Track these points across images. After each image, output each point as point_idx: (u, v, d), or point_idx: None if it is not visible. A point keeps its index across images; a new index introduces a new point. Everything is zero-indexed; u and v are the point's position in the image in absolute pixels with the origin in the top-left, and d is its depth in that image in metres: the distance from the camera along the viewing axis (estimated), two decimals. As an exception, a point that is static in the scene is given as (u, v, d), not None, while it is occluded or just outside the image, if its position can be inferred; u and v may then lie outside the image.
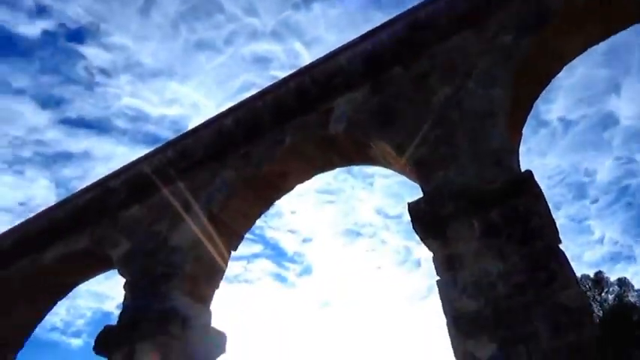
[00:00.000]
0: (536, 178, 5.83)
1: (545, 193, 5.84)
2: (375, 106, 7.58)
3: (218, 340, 8.30)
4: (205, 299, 8.57)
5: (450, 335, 5.43)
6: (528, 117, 7.57)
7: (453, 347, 5.33)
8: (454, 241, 5.84)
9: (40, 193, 58.69)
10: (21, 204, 58.37)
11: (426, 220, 6.13)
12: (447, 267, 5.76)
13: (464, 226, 5.84)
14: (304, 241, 59.25)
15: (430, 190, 6.43)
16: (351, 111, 7.77)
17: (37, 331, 10.76)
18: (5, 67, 56.52)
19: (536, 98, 7.55)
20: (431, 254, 6.04)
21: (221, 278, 8.90)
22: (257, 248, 55.56)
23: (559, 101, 63.96)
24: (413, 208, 6.31)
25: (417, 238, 6.25)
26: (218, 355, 8.20)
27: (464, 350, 5.23)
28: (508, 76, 6.67)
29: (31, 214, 10.99)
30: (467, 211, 5.88)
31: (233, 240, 8.87)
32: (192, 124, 9.66)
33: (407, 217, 6.22)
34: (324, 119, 8.00)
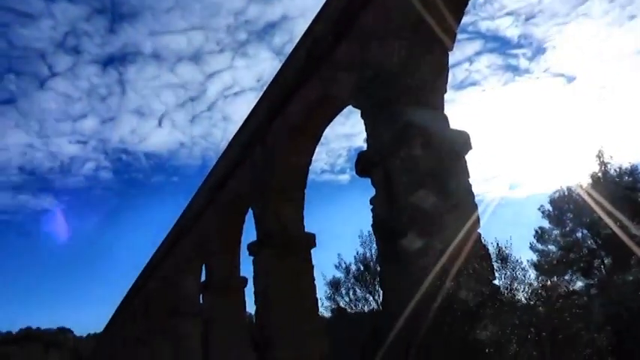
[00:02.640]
0: None
1: None
2: None
3: (462, 139, 8.43)
4: (437, 106, 8.65)
5: None
6: None
7: None
8: None
9: (267, 65, 65.62)
10: (257, 80, 66.68)
11: None
12: None
13: None
14: (527, 20, 51.73)
15: None
16: None
17: (312, 176, 12.83)
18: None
19: None
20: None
21: (446, 82, 8.79)
22: (476, 45, 52.09)
23: None
24: None
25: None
26: (466, 152, 8.39)
27: None
28: None
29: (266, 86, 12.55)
30: None
31: (445, 38, 8.44)
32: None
33: None
34: None
